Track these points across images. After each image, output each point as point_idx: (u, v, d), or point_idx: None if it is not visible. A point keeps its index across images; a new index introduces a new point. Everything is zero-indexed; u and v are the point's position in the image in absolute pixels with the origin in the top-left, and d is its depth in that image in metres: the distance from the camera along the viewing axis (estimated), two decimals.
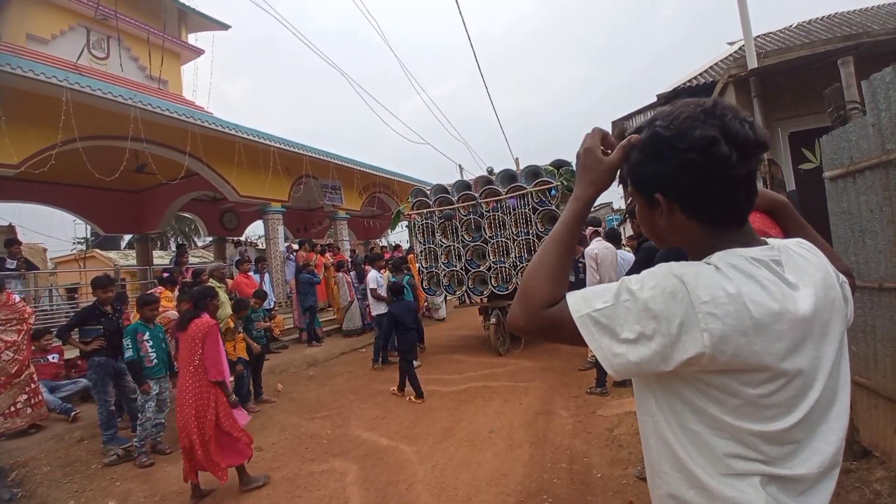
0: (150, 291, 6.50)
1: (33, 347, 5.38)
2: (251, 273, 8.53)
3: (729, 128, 0.73)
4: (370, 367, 7.37)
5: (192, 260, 11.85)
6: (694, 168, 0.74)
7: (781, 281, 0.74)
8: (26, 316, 5.09)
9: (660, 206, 0.81)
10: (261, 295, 6.53)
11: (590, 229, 5.62)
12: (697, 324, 0.69)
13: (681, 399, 0.75)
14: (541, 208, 7.06)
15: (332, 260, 11.00)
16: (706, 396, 0.73)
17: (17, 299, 5.22)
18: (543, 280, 0.80)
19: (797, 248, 0.83)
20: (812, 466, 0.73)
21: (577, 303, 0.76)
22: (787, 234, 1.06)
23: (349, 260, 11.49)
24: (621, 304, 0.72)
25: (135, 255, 14.48)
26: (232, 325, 5.49)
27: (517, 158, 13.77)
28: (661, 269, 0.74)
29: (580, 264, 6.41)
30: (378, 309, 7.83)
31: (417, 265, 8.83)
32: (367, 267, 8.89)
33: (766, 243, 0.81)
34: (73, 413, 5.23)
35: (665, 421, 0.77)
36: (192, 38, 12.50)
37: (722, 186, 0.76)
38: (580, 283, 5.79)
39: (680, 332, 0.69)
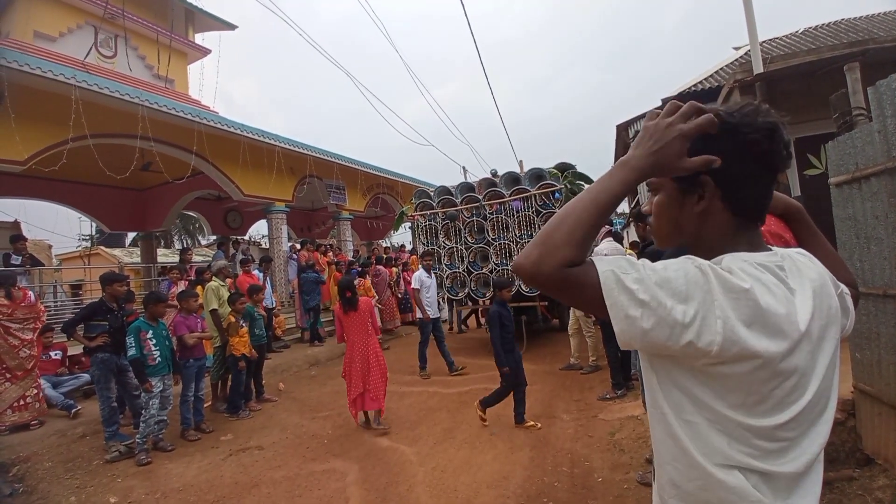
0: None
1: None
2: (254, 272, 8.53)
3: (777, 123, 0.81)
4: (418, 374, 6.76)
5: (195, 258, 11.89)
6: (754, 150, 0.78)
7: (784, 286, 0.76)
8: (40, 314, 5.27)
9: (699, 190, 0.81)
10: (254, 290, 6.38)
11: (605, 228, 5.58)
12: (714, 311, 0.70)
13: (681, 389, 0.77)
14: (544, 211, 7.06)
15: (333, 259, 11.02)
16: (707, 388, 0.74)
17: (33, 298, 5.33)
18: (567, 237, 0.75)
19: (798, 256, 0.86)
20: (799, 465, 0.76)
21: (603, 263, 0.75)
22: (798, 238, 1.08)
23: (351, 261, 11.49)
24: (646, 275, 0.73)
25: (139, 252, 14.54)
26: (233, 320, 5.48)
27: (521, 161, 13.79)
28: (681, 259, 0.76)
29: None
30: (430, 312, 6.86)
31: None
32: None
33: (770, 249, 0.84)
34: (75, 410, 5.25)
35: (670, 411, 0.79)
36: (199, 38, 12.59)
37: (767, 176, 0.82)
38: None
39: (696, 315, 0.70)
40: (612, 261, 0.75)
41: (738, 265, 0.75)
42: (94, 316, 4.71)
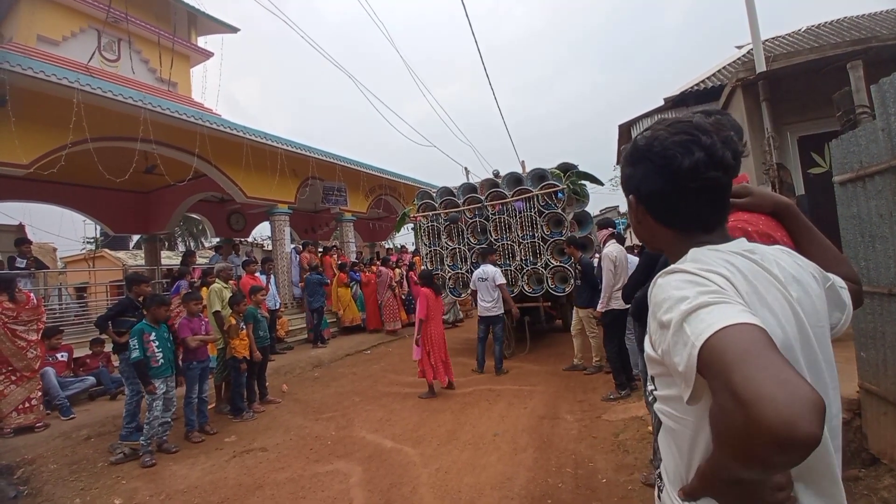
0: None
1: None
2: (258, 274, 8.54)
3: (697, 138, 0.79)
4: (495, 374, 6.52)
5: (199, 261, 11.92)
6: (657, 176, 0.83)
7: (757, 265, 0.77)
8: (41, 315, 5.34)
9: (633, 207, 0.91)
10: (255, 291, 6.38)
11: (606, 231, 5.59)
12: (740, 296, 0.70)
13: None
14: (546, 211, 7.06)
15: (338, 262, 11.05)
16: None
17: (35, 300, 5.37)
18: None
19: (772, 251, 0.83)
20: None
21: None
22: (792, 236, 1.06)
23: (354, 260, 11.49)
24: (703, 288, 0.69)
25: (143, 254, 14.59)
26: (234, 321, 5.48)
27: (523, 161, 13.75)
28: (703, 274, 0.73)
29: (577, 269, 6.38)
30: (495, 310, 6.56)
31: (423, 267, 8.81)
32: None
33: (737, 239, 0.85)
34: (70, 416, 5.30)
35: (698, 423, 0.73)
36: (202, 41, 12.60)
37: (690, 191, 0.81)
38: (589, 287, 5.76)
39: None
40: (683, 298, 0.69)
41: (705, 255, 0.77)
42: (125, 312, 4.87)
